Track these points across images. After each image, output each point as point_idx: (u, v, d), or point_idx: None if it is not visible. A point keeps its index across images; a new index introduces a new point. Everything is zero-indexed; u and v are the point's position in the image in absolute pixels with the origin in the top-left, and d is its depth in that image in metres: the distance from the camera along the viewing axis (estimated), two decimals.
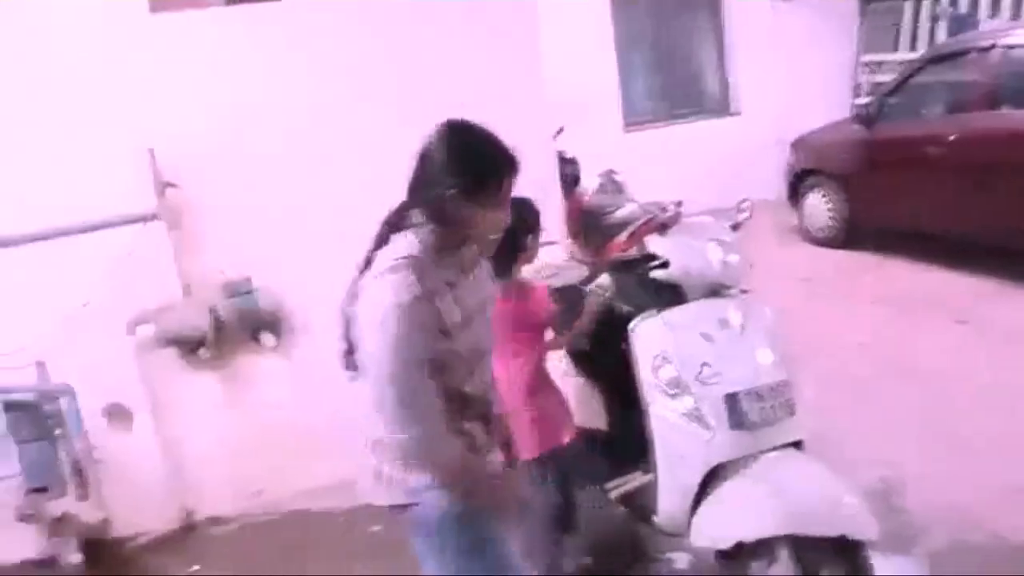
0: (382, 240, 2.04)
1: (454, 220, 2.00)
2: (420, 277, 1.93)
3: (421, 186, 2.03)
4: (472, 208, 1.99)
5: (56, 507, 3.55)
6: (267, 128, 3.75)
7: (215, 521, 3.94)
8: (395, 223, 2.05)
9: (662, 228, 3.12)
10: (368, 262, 2.03)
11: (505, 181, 2.01)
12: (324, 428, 3.80)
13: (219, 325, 3.63)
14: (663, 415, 2.82)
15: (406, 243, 1.99)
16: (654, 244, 2.95)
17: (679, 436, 2.78)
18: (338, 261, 3.75)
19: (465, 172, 1.97)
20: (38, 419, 3.53)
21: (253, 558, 3.69)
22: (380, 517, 3.73)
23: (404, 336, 1.89)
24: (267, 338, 3.72)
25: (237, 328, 3.67)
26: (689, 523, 2.75)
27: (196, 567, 3.68)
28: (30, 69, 3.54)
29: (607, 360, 3.09)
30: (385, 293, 1.91)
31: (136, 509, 3.77)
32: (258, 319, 3.68)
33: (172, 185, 3.57)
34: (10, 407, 3.54)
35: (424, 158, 2.01)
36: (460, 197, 1.97)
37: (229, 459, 3.87)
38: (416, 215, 2.03)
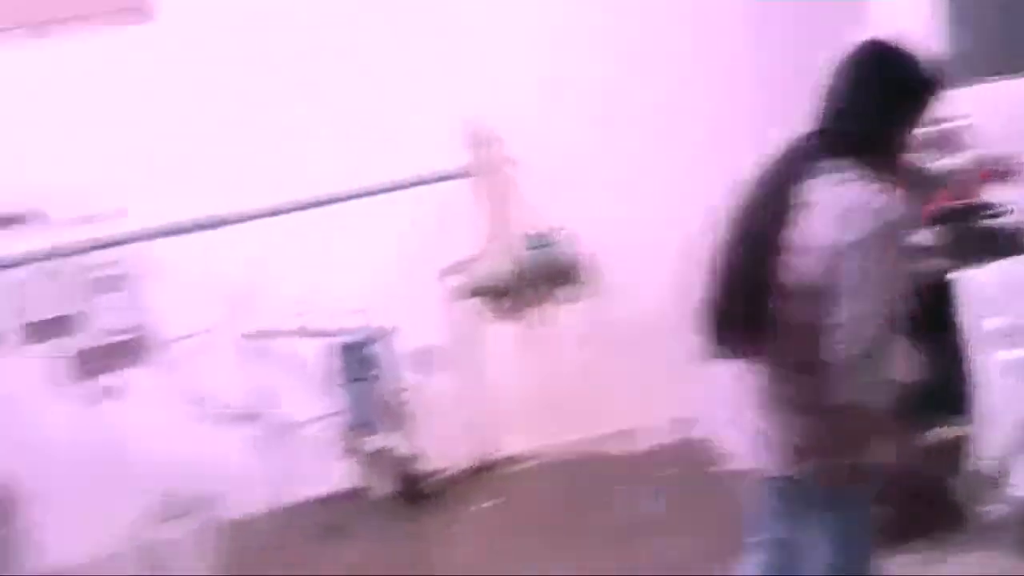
0: (797, 175, 1.82)
1: (884, 145, 1.84)
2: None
3: (845, 112, 1.83)
4: (901, 130, 1.85)
5: (373, 442, 3.94)
6: (576, 87, 3.96)
7: (512, 460, 4.23)
8: (810, 155, 1.83)
9: (1001, 177, 3.02)
10: (785, 202, 1.80)
11: (931, 101, 1.86)
12: (619, 378, 4.00)
13: (522, 276, 3.86)
14: (991, 364, 2.75)
15: (852, 171, 1.77)
16: (994, 193, 2.87)
17: (1009, 385, 2.70)
18: (638, 216, 3.95)
19: (899, 92, 1.82)
20: (361, 360, 3.93)
21: (546, 496, 3.93)
22: (670, 464, 3.88)
23: (898, 267, 1.71)
24: (565, 289, 3.92)
25: (538, 279, 3.89)
26: (1010, 473, 2.67)
27: (492, 502, 3.97)
28: (354, 33, 3.92)
29: (928, 308, 3.03)
30: (880, 218, 1.69)
31: (441, 446, 4.10)
32: (558, 270, 3.88)
33: (486, 143, 3.83)
34: (337, 350, 3.97)
35: (850, 82, 1.84)
36: (892, 120, 1.83)
37: (527, 403, 4.13)
38: (836, 143, 1.82)
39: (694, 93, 4.00)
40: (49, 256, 3.89)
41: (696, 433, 3.76)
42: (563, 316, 4.07)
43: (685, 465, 3.79)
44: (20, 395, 3.99)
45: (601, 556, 3.28)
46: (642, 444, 4.06)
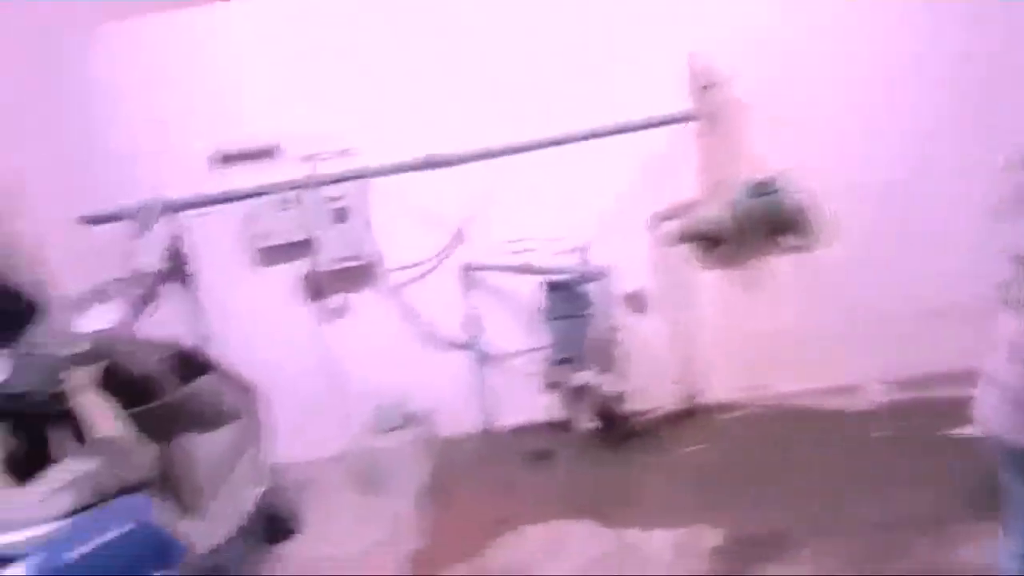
0: None
1: None
2: None
3: None
4: None
5: (578, 378, 4.01)
6: (805, 29, 3.81)
7: (720, 408, 4.20)
8: None
9: None
10: None
11: None
12: (837, 332, 3.89)
13: (739, 223, 3.80)
14: None
15: None
16: None
17: None
18: (871, 165, 3.79)
19: None
20: (572, 299, 4.00)
21: (752, 446, 3.87)
22: (890, 422, 3.75)
23: None
24: (788, 239, 3.82)
25: (757, 227, 3.81)
26: None
27: (696, 447, 3.97)
28: None
29: None
30: None
31: (648, 387, 4.15)
32: (780, 219, 3.78)
33: (711, 86, 3.78)
34: (549, 287, 4.07)
35: None
36: None
37: (738, 352, 4.11)
38: None
39: (928, 42, 3.78)
40: (287, 188, 4.20)
41: (923, 393, 3.63)
42: (784, 265, 3.99)
43: (907, 425, 3.68)
44: (257, 311, 4.39)
45: (798, 511, 3.24)
46: (862, 401, 3.93)
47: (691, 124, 3.90)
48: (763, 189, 3.73)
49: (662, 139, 3.90)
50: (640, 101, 3.92)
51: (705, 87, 3.80)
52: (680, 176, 3.95)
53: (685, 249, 4.03)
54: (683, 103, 3.88)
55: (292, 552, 3.69)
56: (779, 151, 3.82)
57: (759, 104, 3.82)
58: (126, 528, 2.75)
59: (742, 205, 3.79)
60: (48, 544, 2.53)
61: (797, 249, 3.81)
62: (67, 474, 2.80)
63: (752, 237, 3.84)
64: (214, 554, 3.01)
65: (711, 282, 4.11)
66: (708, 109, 3.82)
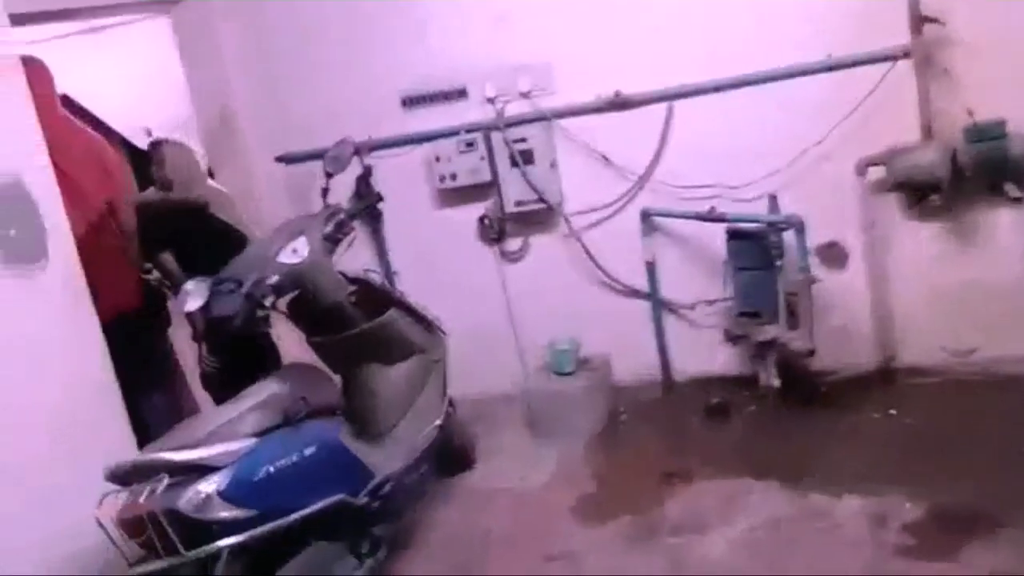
0: None
1: None
2: None
3: None
4: None
5: (764, 332, 3.79)
6: None
7: (918, 371, 3.88)
8: None
9: None
10: None
11: None
12: None
13: (957, 171, 3.45)
14: None
15: None
16: None
17: None
18: None
19: None
20: (761, 249, 3.76)
21: (948, 415, 3.56)
22: None
23: None
24: (1011, 189, 3.44)
25: (978, 176, 3.45)
26: None
27: (886, 412, 3.70)
28: None
29: None
30: None
31: (839, 346, 3.88)
32: (1004, 167, 3.40)
33: (932, 20, 3.42)
34: (735, 235, 3.87)
35: None
36: None
37: (942, 312, 3.77)
38: None
39: None
40: (473, 129, 4.24)
41: None
42: (1004, 217, 3.60)
43: None
44: (440, 250, 4.51)
45: (1000, 490, 2.96)
46: None
47: (907, 62, 3.54)
48: (987, 134, 3.34)
49: (872, 78, 3.57)
50: (848, 36, 3.60)
51: (923, 20, 3.43)
52: (892, 118, 3.59)
53: (894, 198, 3.71)
54: (898, 38, 3.52)
55: (466, 484, 3.79)
56: (1006, 92, 3.40)
57: (984, 39, 3.42)
58: (312, 449, 2.92)
59: (962, 151, 3.42)
60: (240, 459, 2.71)
61: (1017, 201, 3.41)
62: (259, 396, 2.99)
63: (971, 186, 3.48)
64: (393, 481, 3.14)
65: (919, 234, 3.76)
66: (926, 46, 3.46)
